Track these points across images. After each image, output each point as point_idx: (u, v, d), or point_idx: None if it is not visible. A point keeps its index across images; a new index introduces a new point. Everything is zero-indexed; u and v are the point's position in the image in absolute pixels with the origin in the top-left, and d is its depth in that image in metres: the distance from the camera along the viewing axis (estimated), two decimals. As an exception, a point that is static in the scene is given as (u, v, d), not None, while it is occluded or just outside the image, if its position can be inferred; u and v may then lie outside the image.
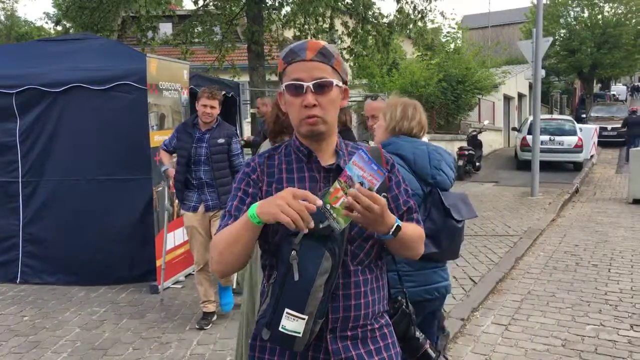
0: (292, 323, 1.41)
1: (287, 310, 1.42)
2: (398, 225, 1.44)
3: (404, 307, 1.83)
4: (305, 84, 1.48)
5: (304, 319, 1.40)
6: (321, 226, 1.38)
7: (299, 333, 1.40)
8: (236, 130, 6.05)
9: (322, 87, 1.48)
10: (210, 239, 4.35)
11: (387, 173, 1.44)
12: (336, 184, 1.37)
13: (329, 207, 1.36)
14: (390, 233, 1.43)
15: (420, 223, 1.65)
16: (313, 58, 1.49)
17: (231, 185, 4.80)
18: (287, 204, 1.31)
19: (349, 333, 1.52)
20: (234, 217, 1.50)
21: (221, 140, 4.38)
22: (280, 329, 1.42)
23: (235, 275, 4.87)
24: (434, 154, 2.50)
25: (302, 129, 1.51)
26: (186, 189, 4.40)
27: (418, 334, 1.89)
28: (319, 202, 1.34)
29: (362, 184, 1.36)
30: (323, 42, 1.55)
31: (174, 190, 4.55)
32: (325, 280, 1.40)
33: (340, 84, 1.54)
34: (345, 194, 1.35)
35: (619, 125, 20.16)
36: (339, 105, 1.55)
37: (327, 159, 1.56)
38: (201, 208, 4.37)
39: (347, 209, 1.36)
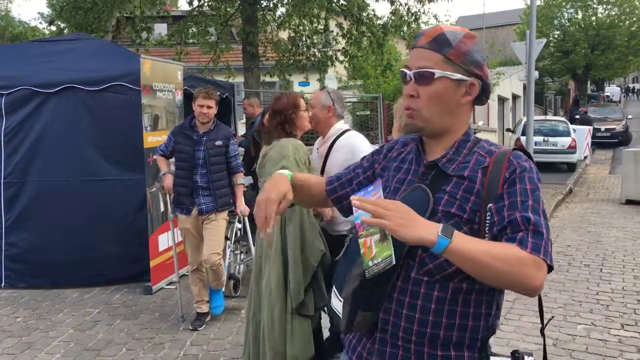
0: (336, 302, 1.41)
1: (334, 287, 1.43)
2: (445, 226, 1.18)
3: None
4: (407, 72, 1.38)
5: (341, 301, 1.37)
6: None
7: (340, 314, 1.38)
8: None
9: (422, 78, 1.35)
10: (203, 240, 4.35)
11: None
12: (360, 241, 1.25)
13: (371, 265, 1.23)
14: (439, 234, 1.16)
15: (525, 244, 1.26)
16: (424, 45, 1.36)
17: (228, 188, 4.72)
18: (260, 202, 1.39)
19: (400, 343, 1.35)
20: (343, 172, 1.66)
21: (219, 143, 4.33)
22: (330, 303, 1.44)
23: (226, 279, 4.87)
24: None
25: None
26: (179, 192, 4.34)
27: None
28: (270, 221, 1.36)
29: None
30: (448, 28, 1.38)
31: (171, 194, 4.43)
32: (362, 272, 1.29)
33: (455, 76, 1.34)
34: (371, 234, 1.23)
35: (613, 127, 20.43)
36: (451, 100, 1.36)
37: (438, 155, 1.41)
38: (194, 211, 4.31)
39: (381, 237, 1.21)
